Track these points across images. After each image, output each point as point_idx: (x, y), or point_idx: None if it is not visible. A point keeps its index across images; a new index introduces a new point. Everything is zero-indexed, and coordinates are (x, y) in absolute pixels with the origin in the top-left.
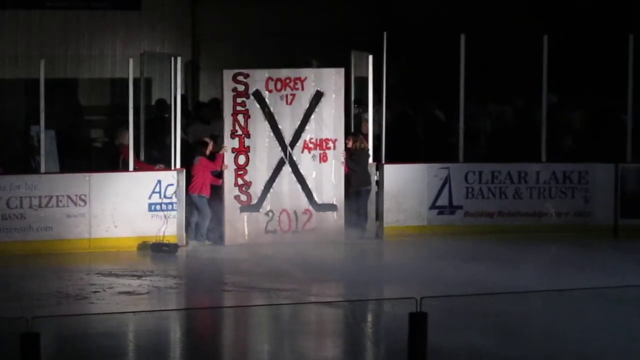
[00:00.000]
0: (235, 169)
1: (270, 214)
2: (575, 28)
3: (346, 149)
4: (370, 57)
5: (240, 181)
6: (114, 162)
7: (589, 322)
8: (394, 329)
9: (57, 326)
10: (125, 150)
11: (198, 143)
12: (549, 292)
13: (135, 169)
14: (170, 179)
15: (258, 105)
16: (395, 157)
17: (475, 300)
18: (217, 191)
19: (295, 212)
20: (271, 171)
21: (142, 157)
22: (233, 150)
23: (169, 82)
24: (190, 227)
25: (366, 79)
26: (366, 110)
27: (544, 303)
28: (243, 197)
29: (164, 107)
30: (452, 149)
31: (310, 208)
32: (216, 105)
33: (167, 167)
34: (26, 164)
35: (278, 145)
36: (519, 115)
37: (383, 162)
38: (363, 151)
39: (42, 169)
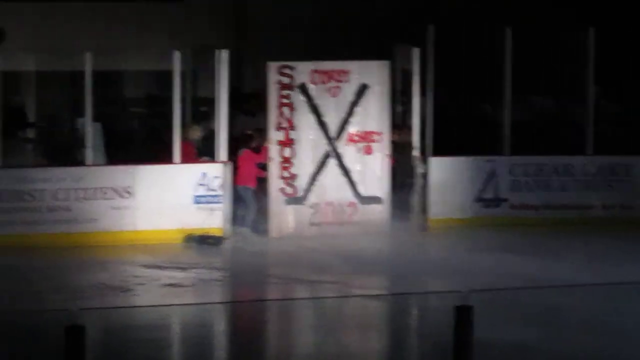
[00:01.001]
0: (280, 162)
1: (315, 206)
2: (619, 20)
3: (391, 141)
4: (416, 51)
5: (285, 174)
6: (158, 154)
7: (635, 315)
8: (440, 322)
9: (102, 319)
10: (189, 146)
11: (243, 135)
12: (595, 286)
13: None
14: (216, 171)
15: (303, 98)
16: (441, 149)
17: (521, 294)
18: (262, 184)
19: (340, 205)
20: (316, 164)
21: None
22: (278, 142)
23: (214, 74)
24: (236, 219)
25: (411, 71)
26: (411, 103)
27: (589, 296)
28: (288, 190)
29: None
30: (497, 142)
31: (355, 200)
32: (261, 97)
33: (213, 159)
34: (72, 156)
35: (323, 137)
36: (564, 107)
37: (429, 154)
38: (408, 144)
39: (88, 161)
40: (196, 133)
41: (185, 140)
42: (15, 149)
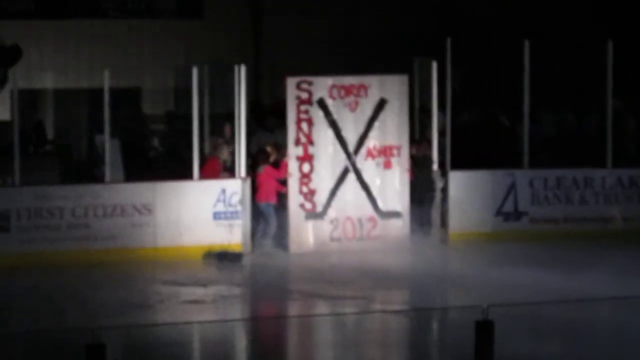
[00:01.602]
0: (299, 177)
1: (335, 221)
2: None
3: (410, 155)
4: (434, 64)
5: (304, 189)
6: (178, 170)
7: None
8: (461, 337)
9: (123, 336)
10: (216, 163)
11: (260, 152)
12: (616, 299)
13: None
14: (235, 188)
15: (322, 113)
16: (460, 163)
17: (542, 308)
18: (281, 199)
19: (359, 220)
20: (335, 179)
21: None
22: (297, 158)
23: (232, 90)
24: (256, 235)
25: (430, 85)
26: (430, 117)
27: (611, 310)
28: (308, 205)
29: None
30: (517, 155)
31: (375, 215)
32: (280, 112)
33: (232, 175)
34: (91, 173)
35: (342, 152)
36: (583, 120)
37: (448, 168)
38: (427, 158)
39: (107, 178)
40: (224, 153)
41: (213, 156)
42: (34, 167)
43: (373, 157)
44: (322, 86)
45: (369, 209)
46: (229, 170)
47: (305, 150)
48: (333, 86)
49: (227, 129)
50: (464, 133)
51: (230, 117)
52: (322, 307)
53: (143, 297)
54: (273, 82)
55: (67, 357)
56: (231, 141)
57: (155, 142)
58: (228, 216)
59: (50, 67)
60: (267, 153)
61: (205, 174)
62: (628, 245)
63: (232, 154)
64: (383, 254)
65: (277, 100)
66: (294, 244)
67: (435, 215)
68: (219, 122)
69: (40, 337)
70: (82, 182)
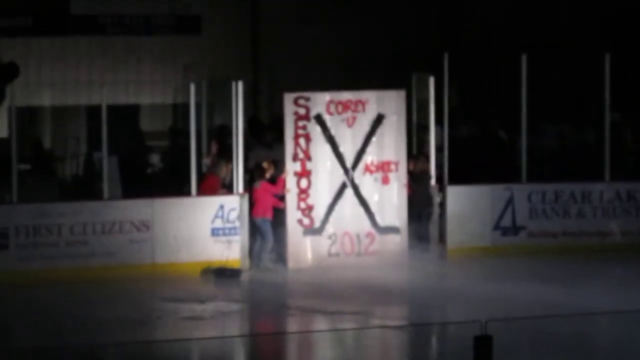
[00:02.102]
0: (297, 193)
1: (333, 237)
2: (636, 46)
3: (408, 171)
4: (432, 79)
5: (302, 205)
6: (175, 187)
7: None
8: (459, 352)
9: (122, 353)
10: (215, 180)
11: (256, 168)
12: (615, 313)
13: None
14: (233, 203)
15: (319, 129)
16: (457, 178)
17: (541, 322)
18: (278, 215)
19: (358, 235)
20: (333, 194)
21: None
22: (295, 173)
23: (230, 106)
24: (254, 251)
25: (427, 100)
26: (428, 132)
27: (611, 324)
28: (306, 221)
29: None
30: (515, 169)
31: (373, 231)
32: (278, 128)
33: (230, 191)
34: (89, 190)
35: (340, 168)
36: (581, 133)
37: (446, 183)
38: (425, 173)
39: (105, 194)
40: (224, 170)
41: (212, 173)
42: (32, 183)
43: (371, 172)
44: (319, 102)
45: (367, 225)
46: (228, 188)
47: (303, 165)
48: (330, 102)
49: (213, 147)
50: (461, 147)
51: (220, 133)
52: (320, 323)
53: (141, 313)
54: (271, 98)
55: None
56: (221, 158)
57: (154, 158)
58: (226, 232)
59: (49, 84)
60: (263, 168)
61: (204, 191)
62: (626, 259)
63: (231, 171)
64: (381, 270)
65: (275, 116)
66: (292, 260)
67: (434, 230)
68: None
69: (39, 354)
70: (80, 198)
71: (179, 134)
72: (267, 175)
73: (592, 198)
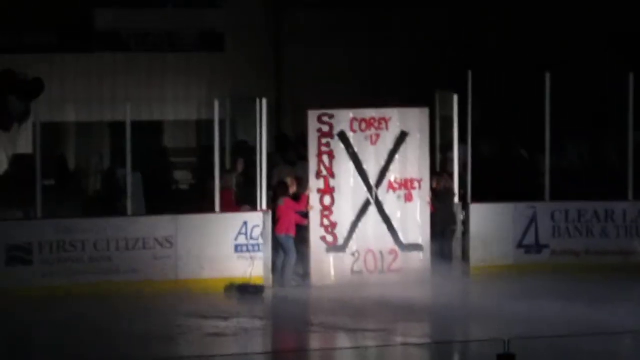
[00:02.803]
0: (320, 210)
1: (357, 254)
2: None
3: (431, 188)
4: (455, 97)
5: (326, 222)
6: (199, 203)
7: None
8: None
9: None
10: (228, 194)
11: (279, 184)
12: (638, 332)
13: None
14: (257, 220)
15: (343, 146)
16: (481, 196)
17: (564, 340)
18: (301, 232)
19: (381, 253)
20: (357, 211)
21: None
22: (318, 191)
23: (253, 123)
24: (277, 268)
25: (451, 118)
26: (452, 150)
27: (634, 343)
28: (329, 238)
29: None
30: (538, 187)
31: (396, 248)
32: (301, 145)
33: (254, 208)
34: (113, 206)
35: (363, 185)
36: (603, 152)
37: (469, 201)
38: (448, 191)
39: (129, 211)
40: (231, 180)
41: (224, 188)
42: (57, 199)
43: (394, 189)
44: (343, 119)
45: (390, 242)
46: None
47: (327, 183)
48: (354, 119)
49: (239, 164)
50: (484, 165)
51: (238, 148)
52: (343, 340)
53: (165, 329)
54: (295, 115)
55: None
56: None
57: (181, 175)
58: (249, 249)
59: (73, 100)
60: (286, 185)
61: (221, 206)
62: None
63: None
64: (404, 287)
65: (299, 134)
66: (315, 277)
67: (457, 247)
68: (234, 158)
69: None
70: (104, 215)
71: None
72: (291, 192)
73: (615, 217)
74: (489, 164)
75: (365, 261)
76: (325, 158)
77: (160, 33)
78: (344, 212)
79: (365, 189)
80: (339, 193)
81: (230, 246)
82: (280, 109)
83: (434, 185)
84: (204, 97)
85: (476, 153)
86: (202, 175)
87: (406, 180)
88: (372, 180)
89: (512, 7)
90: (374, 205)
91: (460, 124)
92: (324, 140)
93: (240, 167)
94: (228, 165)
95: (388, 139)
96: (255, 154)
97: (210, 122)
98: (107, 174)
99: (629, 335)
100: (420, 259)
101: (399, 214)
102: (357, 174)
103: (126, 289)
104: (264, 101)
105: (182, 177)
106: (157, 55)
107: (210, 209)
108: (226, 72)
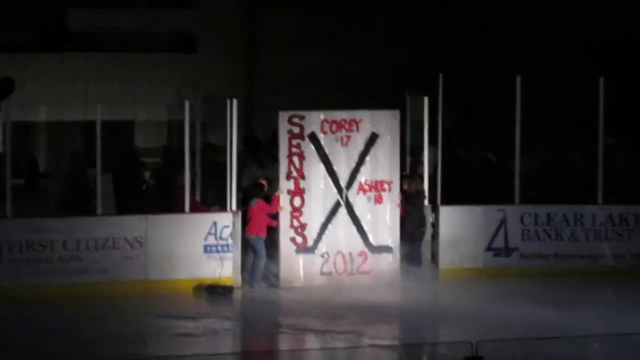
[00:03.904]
0: (290, 211)
1: (326, 255)
2: (631, 70)
3: (402, 190)
4: (426, 99)
5: (295, 223)
6: (169, 204)
7: None
8: None
9: None
10: (181, 193)
11: (253, 186)
12: (606, 336)
13: (192, 209)
14: (226, 221)
15: (313, 147)
16: (450, 199)
17: (532, 344)
18: (271, 233)
19: (350, 254)
20: (327, 213)
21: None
22: (288, 192)
23: (225, 124)
24: (246, 269)
25: (421, 121)
26: (422, 153)
27: (602, 347)
28: (299, 239)
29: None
30: (507, 191)
31: (366, 250)
32: (272, 146)
33: (223, 209)
34: (83, 206)
35: (333, 187)
36: (574, 156)
37: (439, 204)
38: (419, 193)
39: (99, 211)
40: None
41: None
42: (26, 199)
43: (364, 191)
44: (314, 121)
45: (359, 244)
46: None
47: (297, 184)
48: (325, 121)
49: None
50: (454, 169)
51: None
52: (312, 342)
53: (133, 330)
54: (266, 117)
55: None
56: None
57: (147, 175)
58: (219, 249)
59: (45, 100)
60: (262, 186)
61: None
62: (618, 282)
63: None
64: (373, 289)
65: (270, 135)
66: (284, 278)
67: (426, 250)
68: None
69: None
70: (74, 214)
71: (171, 152)
72: (263, 193)
73: (585, 220)
74: (459, 168)
75: (334, 263)
76: (295, 159)
77: (133, 33)
78: (314, 213)
79: (335, 190)
80: (309, 194)
81: (199, 246)
82: (252, 110)
83: (405, 187)
84: (175, 98)
85: (448, 156)
86: (165, 176)
87: (376, 182)
88: (343, 182)
89: (485, 12)
90: (344, 206)
91: (431, 127)
92: (294, 142)
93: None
94: (197, 166)
95: (359, 141)
96: (223, 155)
97: (181, 123)
98: (77, 173)
99: (597, 338)
100: (390, 261)
101: (368, 216)
102: (327, 175)
103: (95, 289)
104: (234, 102)
105: (153, 177)
106: (130, 56)
107: (176, 210)
108: (198, 73)
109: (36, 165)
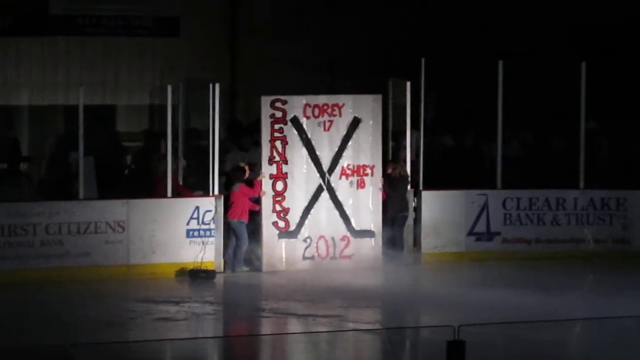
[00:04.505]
0: (273, 195)
1: (308, 240)
2: (612, 55)
3: (385, 175)
4: (408, 84)
5: (278, 207)
6: (151, 188)
7: (629, 349)
8: (432, 357)
9: (95, 353)
10: (163, 177)
11: (235, 170)
12: (587, 320)
13: (174, 195)
14: (208, 205)
15: (296, 132)
16: (433, 184)
17: (514, 328)
18: (253, 217)
19: (332, 239)
20: (309, 197)
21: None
22: (271, 176)
23: (207, 108)
24: (228, 253)
25: (404, 105)
26: (404, 137)
27: (582, 331)
28: (281, 224)
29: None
30: (489, 175)
31: (348, 234)
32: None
33: (205, 193)
34: (65, 191)
35: (316, 171)
36: (557, 141)
37: (421, 188)
38: (403, 178)
39: (81, 195)
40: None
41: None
42: (8, 183)
43: (347, 176)
44: (296, 105)
45: (342, 228)
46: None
47: (279, 168)
48: (307, 105)
49: (162, 145)
50: (436, 153)
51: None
52: (294, 326)
53: (115, 314)
54: (248, 101)
55: None
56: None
57: (129, 159)
58: (201, 234)
59: (27, 84)
60: (243, 171)
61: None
62: (599, 266)
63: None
64: (355, 273)
65: (252, 120)
66: (266, 263)
67: (408, 234)
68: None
69: (12, 354)
70: (56, 199)
71: (153, 136)
72: (244, 177)
73: (567, 205)
74: (440, 152)
75: (317, 247)
76: (278, 144)
77: (115, 17)
78: (297, 198)
79: (318, 175)
80: (292, 179)
81: (181, 231)
82: (234, 95)
83: (389, 171)
84: (157, 82)
85: (430, 141)
86: (147, 160)
87: (359, 167)
88: (325, 167)
89: None
90: (327, 191)
91: (413, 112)
92: (276, 126)
93: (162, 148)
94: (180, 152)
95: (341, 126)
96: (205, 139)
97: (163, 107)
98: (59, 157)
99: (579, 322)
100: (372, 246)
101: (351, 201)
102: (309, 160)
103: (77, 273)
104: (217, 86)
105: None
106: (111, 40)
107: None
108: (180, 57)
109: (18, 149)
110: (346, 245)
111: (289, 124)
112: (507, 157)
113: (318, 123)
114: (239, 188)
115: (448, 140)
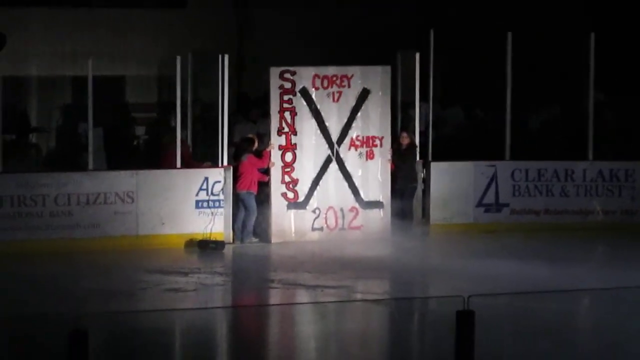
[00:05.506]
0: (282, 166)
1: (317, 211)
2: (622, 26)
3: (393, 146)
4: (417, 55)
5: (287, 178)
6: (160, 159)
7: (638, 321)
8: (441, 327)
9: (105, 323)
10: (172, 148)
11: (243, 141)
12: (596, 291)
13: (182, 166)
14: (218, 176)
15: (305, 103)
16: (441, 155)
17: (523, 298)
18: (262, 188)
19: (341, 210)
20: (318, 168)
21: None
22: (280, 147)
23: (216, 79)
24: (237, 224)
25: (413, 77)
26: (413, 109)
27: (592, 301)
28: (290, 195)
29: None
30: (498, 146)
31: (357, 205)
32: (263, 104)
33: (214, 164)
34: (74, 162)
35: (325, 142)
36: (565, 113)
37: (430, 160)
38: (411, 148)
39: (90, 166)
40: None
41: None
42: (17, 154)
43: (356, 147)
44: (305, 76)
45: (351, 199)
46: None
47: (288, 139)
48: (316, 76)
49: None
50: (446, 124)
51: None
52: (302, 296)
53: (125, 285)
54: (256, 73)
55: (49, 344)
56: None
57: (139, 130)
58: (210, 205)
59: (35, 55)
60: (251, 141)
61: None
62: (608, 237)
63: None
64: (364, 244)
65: (261, 93)
66: (275, 233)
67: (417, 206)
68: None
69: (22, 324)
70: (65, 169)
71: (166, 107)
72: (253, 148)
73: (575, 176)
74: (450, 123)
75: (325, 218)
76: (287, 115)
77: None
78: (306, 169)
79: (326, 146)
80: (301, 150)
81: (191, 202)
82: (242, 67)
83: (404, 142)
84: (166, 53)
85: (439, 112)
86: (159, 131)
87: (367, 138)
88: (334, 138)
89: None
90: (335, 162)
91: (423, 84)
92: (285, 97)
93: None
94: (189, 123)
95: (350, 97)
96: (215, 111)
97: (172, 78)
98: (68, 128)
99: (588, 293)
100: (381, 217)
101: (360, 172)
102: (318, 131)
103: (86, 245)
104: (226, 57)
105: (144, 133)
106: (120, 11)
107: (166, 165)
108: (188, 28)
109: (27, 120)
110: (355, 217)
111: (298, 94)
112: (516, 128)
113: (327, 94)
114: (247, 159)
115: (457, 112)
